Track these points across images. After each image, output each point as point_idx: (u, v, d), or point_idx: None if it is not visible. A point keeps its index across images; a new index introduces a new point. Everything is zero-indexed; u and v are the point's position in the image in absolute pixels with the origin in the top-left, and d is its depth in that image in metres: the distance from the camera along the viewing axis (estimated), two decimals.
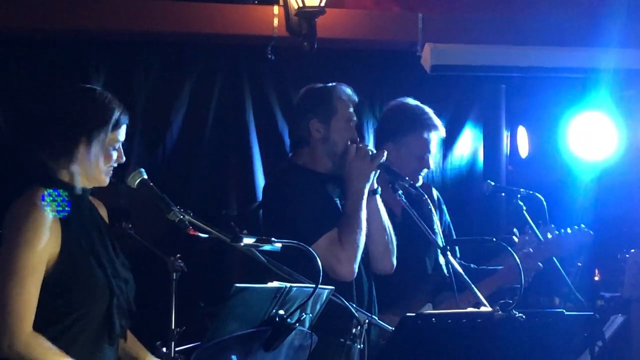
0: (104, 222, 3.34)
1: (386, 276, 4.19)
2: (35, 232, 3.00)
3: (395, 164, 4.36)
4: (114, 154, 3.19)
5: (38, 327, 3.02)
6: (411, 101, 4.61)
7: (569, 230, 4.85)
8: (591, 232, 4.91)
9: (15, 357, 2.95)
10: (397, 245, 4.18)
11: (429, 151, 4.53)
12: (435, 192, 4.74)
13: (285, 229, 3.86)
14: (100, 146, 3.14)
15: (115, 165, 3.21)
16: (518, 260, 3.55)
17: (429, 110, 4.57)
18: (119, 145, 3.20)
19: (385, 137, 4.59)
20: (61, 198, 3.10)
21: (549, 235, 4.81)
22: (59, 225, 3.07)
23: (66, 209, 3.11)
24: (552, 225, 4.88)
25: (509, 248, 3.65)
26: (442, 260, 4.46)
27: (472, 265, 4.65)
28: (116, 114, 3.18)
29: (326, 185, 4.11)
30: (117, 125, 3.18)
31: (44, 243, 3.01)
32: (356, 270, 3.91)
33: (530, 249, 4.62)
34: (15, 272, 2.97)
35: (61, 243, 3.06)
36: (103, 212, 3.39)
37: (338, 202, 4.09)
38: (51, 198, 3.07)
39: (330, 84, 4.17)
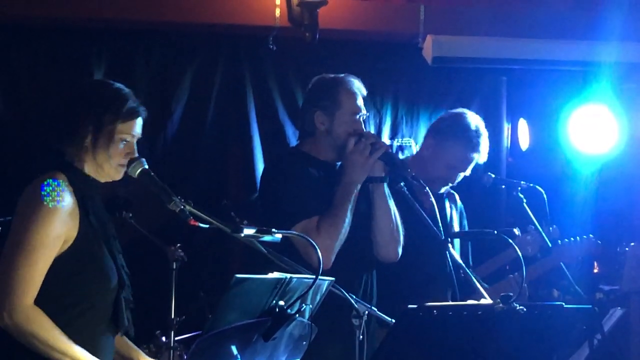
0: (110, 219, 3.33)
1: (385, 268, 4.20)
2: (55, 211, 3.00)
3: (427, 161, 4.46)
4: (123, 147, 3.17)
5: (50, 310, 3.01)
6: (473, 118, 4.61)
7: (577, 239, 4.86)
8: (599, 242, 4.90)
9: (12, 327, 2.94)
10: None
11: (463, 169, 4.55)
12: (459, 202, 4.76)
13: (270, 210, 3.90)
14: (109, 136, 3.13)
15: (126, 160, 3.18)
16: (519, 252, 3.56)
17: (484, 133, 4.58)
18: (130, 139, 3.18)
19: (432, 133, 4.64)
20: (80, 175, 3.12)
21: (559, 242, 4.82)
22: (78, 210, 3.07)
23: (88, 183, 3.14)
24: (554, 226, 4.89)
25: (510, 240, 3.66)
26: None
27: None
28: (128, 105, 3.17)
29: (328, 172, 4.12)
30: (128, 116, 3.16)
31: (62, 223, 3.01)
32: (332, 260, 3.90)
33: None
34: (28, 246, 2.97)
35: (79, 227, 3.06)
36: None
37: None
38: (70, 174, 3.10)
39: (339, 75, 4.16)
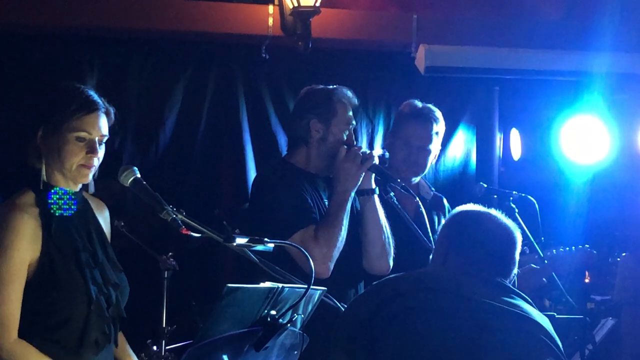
0: (97, 224, 3.26)
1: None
2: (15, 238, 2.95)
3: (392, 157, 4.41)
4: (81, 146, 3.06)
5: (20, 336, 2.97)
6: (417, 103, 4.61)
7: (573, 248, 4.85)
8: (594, 251, 4.88)
9: None
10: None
11: (422, 143, 4.48)
12: (446, 204, 4.74)
13: (264, 222, 3.90)
14: (60, 136, 3.04)
15: (92, 162, 3.08)
16: None
17: (433, 109, 4.55)
18: (87, 136, 3.07)
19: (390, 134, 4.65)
20: (67, 198, 3.07)
21: (554, 251, 4.80)
22: (40, 229, 3.02)
23: (72, 207, 3.08)
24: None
25: None
26: None
27: None
28: (78, 100, 3.06)
29: (317, 184, 4.12)
30: (79, 112, 3.04)
31: (25, 249, 2.97)
32: (331, 268, 3.92)
33: (533, 265, 4.62)
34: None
35: (41, 248, 3.01)
36: (102, 213, 3.31)
37: (327, 202, 4.11)
38: (57, 197, 3.05)
39: (331, 86, 4.18)
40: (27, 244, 2.98)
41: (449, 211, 4.71)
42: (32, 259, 3.00)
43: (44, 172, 3.07)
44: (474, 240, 3.02)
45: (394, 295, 2.91)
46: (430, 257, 3.26)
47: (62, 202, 3.07)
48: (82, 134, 3.06)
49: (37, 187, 3.06)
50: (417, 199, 4.07)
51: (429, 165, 4.56)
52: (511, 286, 2.95)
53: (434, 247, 3.27)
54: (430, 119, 4.50)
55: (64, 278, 3.03)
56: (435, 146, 4.54)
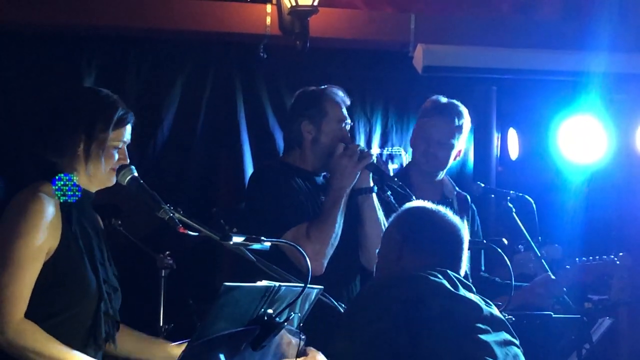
0: (102, 229, 3.34)
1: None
2: (37, 223, 3.00)
3: (414, 153, 4.52)
4: (116, 154, 3.20)
5: None
6: (439, 98, 4.63)
7: (597, 258, 4.82)
8: (617, 261, 4.82)
9: (5, 343, 2.94)
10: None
11: (444, 139, 4.49)
12: (471, 204, 4.72)
13: (259, 220, 3.92)
14: (101, 145, 3.15)
15: (118, 165, 3.21)
16: (508, 261, 3.56)
17: (455, 103, 4.58)
18: (122, 145, 3.22)
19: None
20: (71, 185, 3.12)
21: (576, 259, 4.78)
22: (61, 219, 3.07)
23: (77, 193, 3.13)
24: (556, 245, 4.87)
25: (499, 250, 3.66)
26: None
27: (482, 273, 4.65)
28: (118, 113, 3.19)
29: (314, 182, 4.14)
30: (119, 124, 3.19)
31: (45, 235, 3.01)
32: (324, 265, 3.93)
33: (552, 275, 4.58)
34: (13, 260, 2.96)
35: (60, 238, 3.05)
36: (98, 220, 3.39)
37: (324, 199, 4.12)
38: (62, 183, 3.10)
39: (322, 87, 4.20)
40: (48, 230, 3.03)
41: (473, 213, 4.70)
42: (50, 247, 3.04)
43: (76, 175, 3.14)
44: (428, 237, 3.08)
45: (411, 301, 2.91)
46: (376, 252, 3.28)
47: (67, 188, 3.12)
48: (119, 144, 3.22)
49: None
50: (414, 197, 4.07)
51: (450, 161, 4.55)
52: (466, 281, 3.00)
53: (381, 242, 3.28)
54: (452, 114, 4.51)
55: (78, 271, 3.08)
56: (458, 142, 4.53)
